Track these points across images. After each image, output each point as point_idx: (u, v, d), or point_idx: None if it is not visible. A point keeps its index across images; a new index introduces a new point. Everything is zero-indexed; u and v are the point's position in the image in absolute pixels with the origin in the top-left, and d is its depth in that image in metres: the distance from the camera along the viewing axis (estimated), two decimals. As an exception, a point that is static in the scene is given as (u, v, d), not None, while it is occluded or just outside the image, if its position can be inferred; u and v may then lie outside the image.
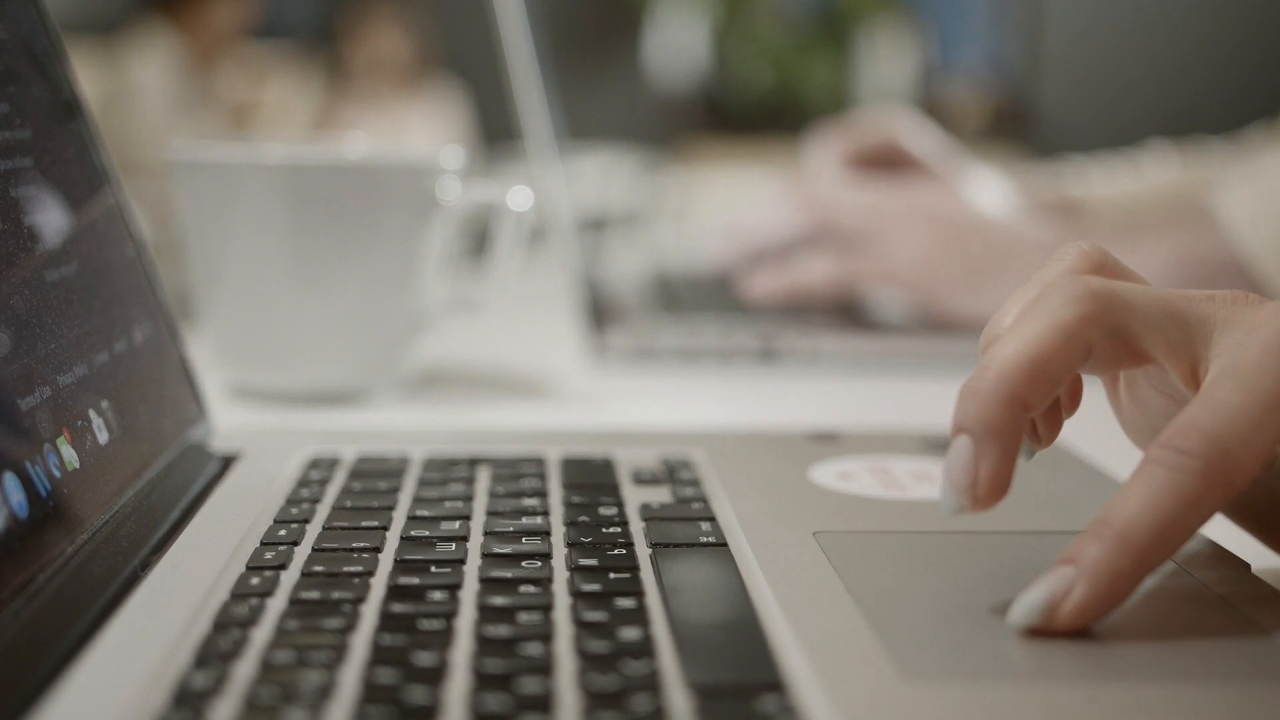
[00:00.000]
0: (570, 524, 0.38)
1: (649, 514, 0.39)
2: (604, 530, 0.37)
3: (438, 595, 0.32)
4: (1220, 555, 0.35)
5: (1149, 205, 0.92)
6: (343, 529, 0.37)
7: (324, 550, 0.36)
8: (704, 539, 0.37)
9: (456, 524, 0.38)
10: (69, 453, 0.35)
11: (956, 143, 0.98)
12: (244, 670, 0.28)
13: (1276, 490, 0.35)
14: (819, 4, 4.67)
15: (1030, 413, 0.31)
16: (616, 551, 0.35)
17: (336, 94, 3.78)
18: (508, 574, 0.33)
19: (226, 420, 0.52)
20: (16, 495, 0.31)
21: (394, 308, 0.62)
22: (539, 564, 0.34)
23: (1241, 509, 0.36)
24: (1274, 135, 0.97)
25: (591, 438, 0.48)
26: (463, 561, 0.35)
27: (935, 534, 0.37)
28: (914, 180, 0.87)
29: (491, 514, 0.39)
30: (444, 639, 0.29)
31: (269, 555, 0.35)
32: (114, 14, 3.38)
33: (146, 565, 0.35)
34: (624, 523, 0.38)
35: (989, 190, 0.88)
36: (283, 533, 0.37)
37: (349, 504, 0.40)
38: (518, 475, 0.43)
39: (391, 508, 0.39)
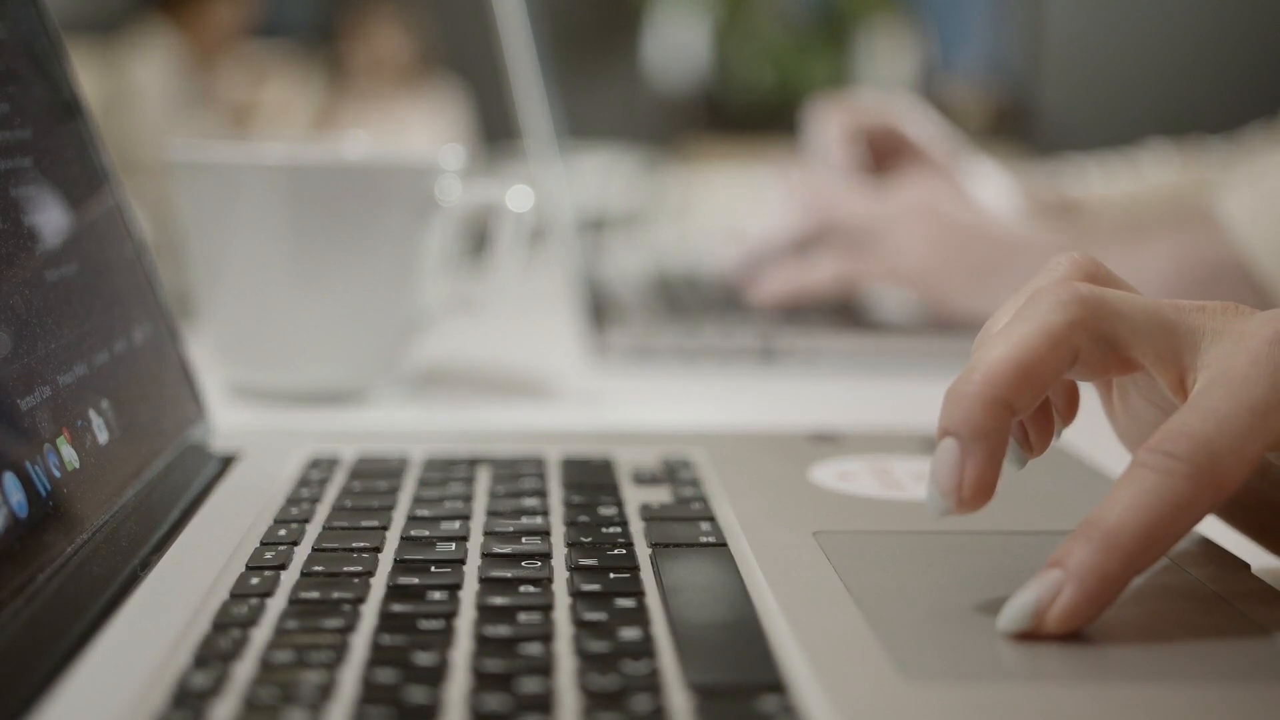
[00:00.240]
0: (570, 524, 0.38)
1: (649, 514, 0.39)
2: (604, 530, 0.37)
3: (437, 595, 0.32)
4: (1219, 555, 0.35)
5: (1148, 205, 0.92)
6: (343, 529, 0.37)
7: (324, 550, 0.36)
8: (704, 539, 0.37)
9: (456, 524, 0.38)
10: (69, 452, 0.35)
11: (958, 138, 0.98)
12: (244, 670, 0.28)
13: (1267, 495, 0.35)
14: (819, 3, 4.67)
15: (1016, 416, 0.31)
16: (616, 551, 0.35)
17: (336, 93, 3.78)
18: (508, 574, 0.33)
19: (226, 420, 0.52)
20: (16, 495, 0.31)
21: (394, 307, 0.62)
22: (539, 564, 0.34)
23: (1234, 512, 0.36)
24: (1273, 135, 0.97)
25: (591, 438, 0.48)
26: (462, 561, 0.35)
27: (935, 534, 0.37)
28: (913, 170, 0.87)
29: (491, 514, 0.39)
30: (444, 639, 0.29)
31: (269, 555, 0.35)
32: (114, 13, 3.39)
33: (146, 565, 0.35)
34: (624, 523, 0.38)
35: (989, 182, 0.88)
36: (283, 532, 0.37)
37: (349, 504, 0.40)
38: (517, 475, 0.43)
39: (391, 508, 0.39)
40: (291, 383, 0.61)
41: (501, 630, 0.30)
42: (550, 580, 0.33)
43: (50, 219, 0.38)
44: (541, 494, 0.41)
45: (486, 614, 0.31)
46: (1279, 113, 1.31)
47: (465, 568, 0.34)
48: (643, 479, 0.43)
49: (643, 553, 0.36)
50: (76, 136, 0.43)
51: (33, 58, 0.41)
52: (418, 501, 0.40)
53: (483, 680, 0.27)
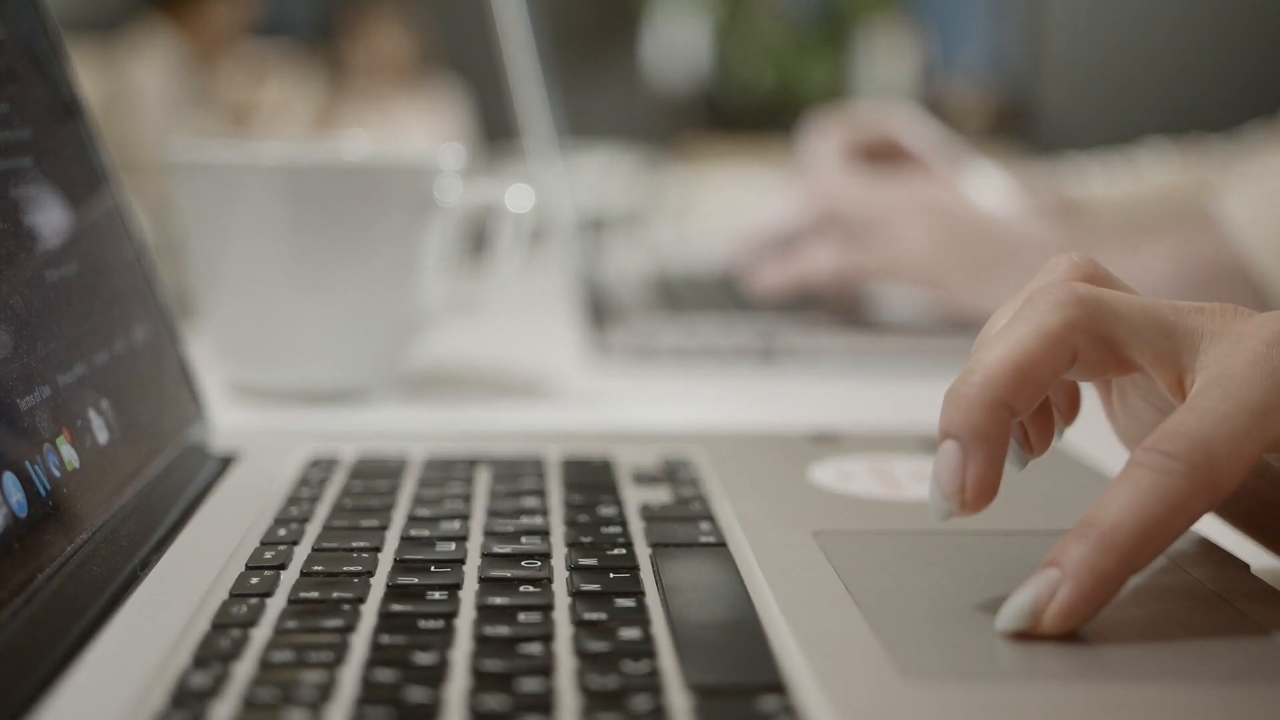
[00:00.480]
0: (570, 524, 0.38)
1: (649, 514, 0.39)
2: (604, 530, 0.37)
3: (437, 595, 0.32)
4: (1219, 555, 0.35)
5: (1148, 206, 0.93)
6: (342, 528, 0.37)
7: (324, 550, 0.36)
8: (704, 539, 0.37)
9: (456, 524, 0.38)
10: (69, 452, 0.35)
11: (958, 141, 0.98)
12: (244, 670, 0.28)
13: (1266, 494, 0.35)
14: (819, 3, 4.67)
15: (1016, 417, 0.31)
16: (616, 551, 0.35)
17: (336, 92, 3.78)
18: (507, 574, 0.33)
19: (226, 419, 0.52)
20: (16, 494, 0.31)
21: (393, 307, 0.62)
22: (539, 564, 0.34)
23: (1233, 512, 0.36)
24: (1273, 134, 0.97)
25: (591, 438, 0.48)
26: (462, 561, 0.35)
27: (935, 534, 0.37)
28: (914, 175, 0.87)
29: (491, 514, 0.39)
30: (444, 639, 0.29)
31: (269, 555, 0.35)
32: (114, 12, 3.39)
33: (146, 565, 0.35)
34: (624, 522, 0.38)
35: (990, 187, 0.88)
36: (282, 532, 0.37)
37: (349, 504, 0.40)
38: (517, 475, 0.43)
39: (391, 507, 0.39)
40: (291, 382, 0.61)
41: (501, 630, 0.30)
42: (550, 580, 0.33)
43: (50, 219, 0.38)
44: (541, 494, 0.41)
45: (486, 614, 0.31)
46: (1279, 112, 1.31)
47: (465, 567, 0.34)
48: (643, 479, 0.43)
49: (642, 553, 0.36)
50: (76, 136, 0.43)
51: (33, 58, 0.40)
52: (417, 501, 0.40)
53: (482, 680, 0.27)
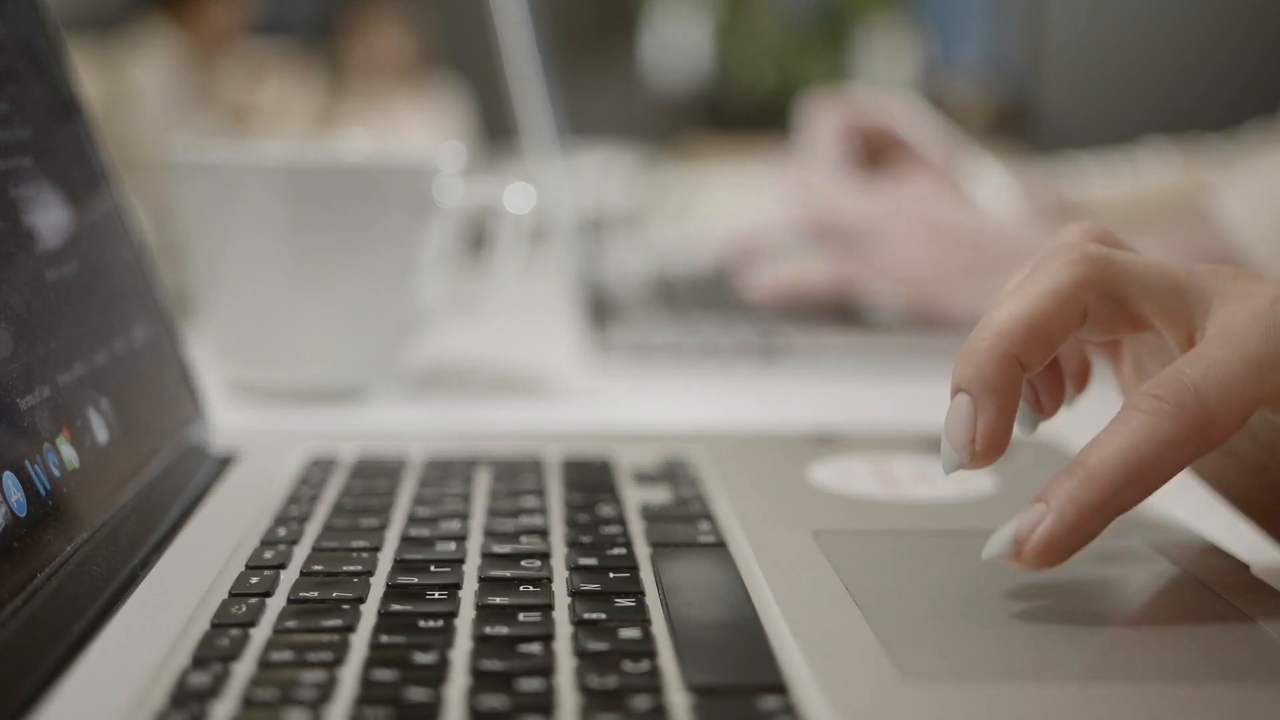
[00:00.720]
0: (570, 524, 0.38)
1: (649, 514, 0.39)
2: (603, 530, 0.37)
3: (437, 594, 0.32)
4: (1219, 555, 0.35)
5: (1147, 207, 0.93)
6: (342, 528, 0.37)
7: (323, 550, 0.36)
8: (703, 539, 0.37)
9: (456, 523, 0.38)
10: (69, 452, 0.35)
11: (958, 135, 0.97)
12: (243, 670, 0.28)
13: (1272, 472, 0.35)
14: (820, 2, 4.67)
15: (1027, 373, 0.32)
16: (616, 551, 0.35)
17: (336, 91, 3.78)
18: (507, 573, 0.33)
19: (227, 418, 0.52)
20: (16, 494, 0.31)
21: (393, 307, 0.62)
22: (538, 563, 0.34)
23: (1247, 501, 0.36)
24: (1272, 132, 0.97)
25: (591, 437, 0.48)
26: (462, 561, 0.35)
27: (935, 534, 0.37)
28: (909, 172, 0.87)
29: (491, 513, 0.39)
30: (443, 638, 0.29)
31: (268, 554, 0.35)
32: (114, 11, 3.38)
33: (146, 564, 0.35)
34: (623, 522, 0.38)
35: (988, 182, 0.88)
36: (282, 532, 0.37)
37: (349, 503, 0.40)
38: (517, 475, 0.43)
39: (391, 507, 0.39)
40: (291, 381, 0.61)
41: (501, 630, 0.30)
42: (550, 580, 0.33)
43: (50, 219, 0.38)
44: (541, 493, 0.41)
45: (486, 613, 0.31)
46: (1278, 111, 1.31)
47: (465, 567, 0.34)
48: (642, 479, 0.43)
49: (642, 552, 0.36)
50: (76, 136, 0.43)
51: (33, 57, 0.40)
52: (417, 501, 0.40)
53: (482, 680, 0.27)
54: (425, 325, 0.64)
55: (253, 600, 0.32)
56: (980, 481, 0.43)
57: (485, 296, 0.65)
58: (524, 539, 0.36)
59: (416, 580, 0.33)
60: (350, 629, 0.30)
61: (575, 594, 0.32)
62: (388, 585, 0.33)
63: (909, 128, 0.90)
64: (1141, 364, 0.36)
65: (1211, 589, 0.33)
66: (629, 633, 0.30)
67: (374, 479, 0.42)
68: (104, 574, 0.33)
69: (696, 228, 1.31)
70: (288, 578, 0.33)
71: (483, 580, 0.33)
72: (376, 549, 0.36)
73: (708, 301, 0.85)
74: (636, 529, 0.38)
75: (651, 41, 4.61)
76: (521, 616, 0.30)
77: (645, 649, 0.29)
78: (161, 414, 0.44)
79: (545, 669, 0.28)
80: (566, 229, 0.80)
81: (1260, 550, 0.36)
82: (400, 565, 0.34)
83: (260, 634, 0.30)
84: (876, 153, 0.90)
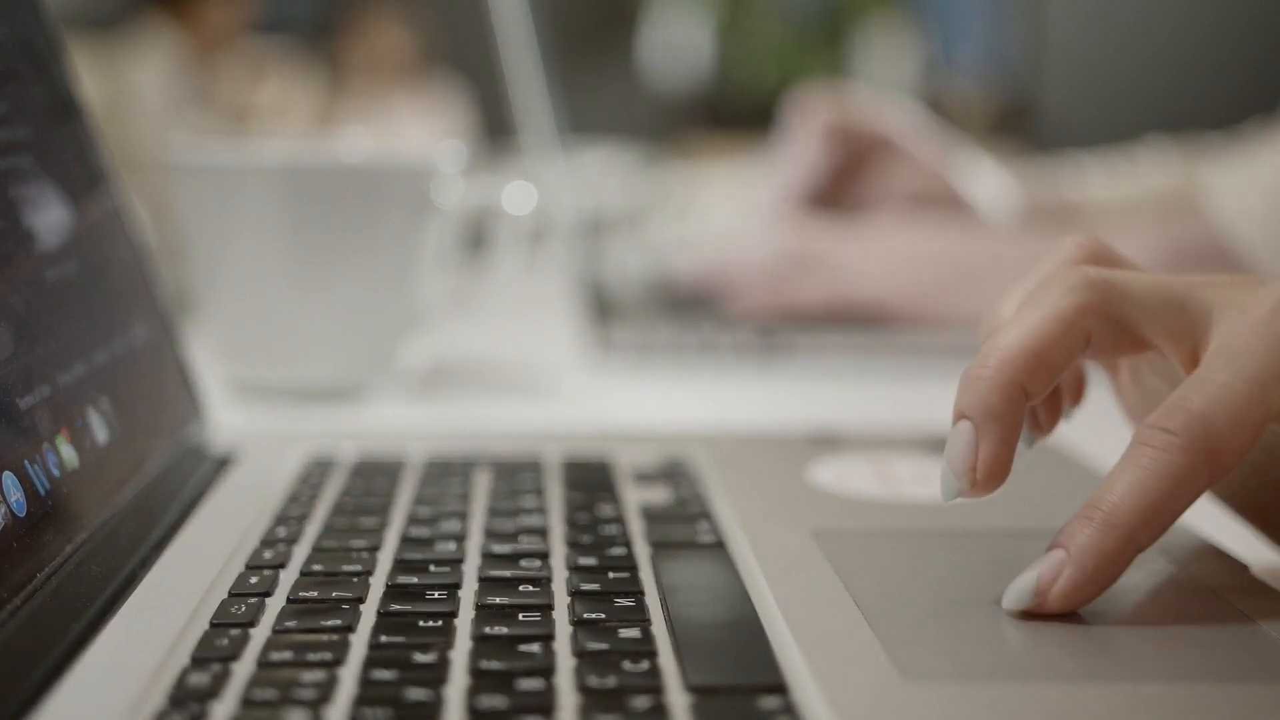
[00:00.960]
0: (569, 523, 0.38)
1: (648, 514, 0.39)
2: (603, 530, 0.37)
3: (437, 594, 0.32)
4: (1218, 555, 0.35)
5: (1147, 208, 0.93)
6: (342, 528, 0.37)
7: (323, 549, 0.36)
8: (703, 539, 0.37)
9: (456, 523, 0.38)
10: (68, 452, 0.35)
11: (959, 139, 0.97)
12: (243, 670, 0.28)
13: (1278, 479, 0.35)
14: (820, 1, 4.67)
15: (1030, 400, 0.31)
16: (616, 551, 0.35)
17: (337, 90, 3.78)
18: (507, 573, 0.33)
19: (226, 417, 0.52)
20: (15, 494, 0.31)
21: (392, 306, 0.62)
22: (538, 563, 0.34)
23: (1245, 502, 0.36)
24: (1272, 130, 0.96)
25: (591, 437, 0.48)
26: (462, 561, 0.35)
27: (935, 534, 0.37)
28: (900, 174, 0.87)
29: (491, 513, 0.39)
30: (443, 638, 0.29)
31: (268, 554, 0.35)
32: (113, 10, 3.38)
33: (145, 564, 0.35)
34: (623, 522, 0.38)
35: (985, 181, 0.88)
36: (282, 532, 0.37)
37: (348, 503, 0.40)
38: (517, 474, 0.43)
39: (391, 507, 0.39)
40: (291, 380, 0.61)
41: (500, 629, 0.30)
42: (549, 580, 0.33)
43: (50, 218, 0.38)
44: (541, 493, 0.41)
45: (485, 613, 0.31)
46: (1277, 109, 1.31)
47: (464, 567, 0.34)
48: (642, 479, 0.43)
49: (642, 552, 0.36)
50: (76, 135, 0.43)
51: (32, 57, 0.40)
52: (417, 501, 0.40)
53: (482, 679, 0.27)
54: (425, 324, 0.64)
55: (252, 600, 0.32)
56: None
57: (485, 296, 0.65)
58: (524, 539, 0.36)
59: (416, 580, 0.33)
60: (350, 629, 0.30)
61: (575, 594, 0.32)
62: (387, 585, 0.33)
63: (899, 130, 0.90)
64: (1140, 377, 0.36)
65: (1211, 589, 0.33)
66: (628, 633, 0.30)
67: (374, 479, 0.42)
68: (103, 574, 0.33)
69: (696, 228, 1.31)
70: (287, 577, 0.33)
71: (482, 580, 0.33)
72: (376, 549, 0.36)
73: (708, 301, 0.85)
74: (636, 529, 0.38)
75: (651, 40, 4.61)
76: (521, 616, 0.30)
77: (645, 649, 0.29)
78: (161, 414, 0.44)
79: (545, 669, 0.28)
80: (566, 228, 0.80)
81: (1260, 550, 0.36)
82: (400, 565, 0.34)
83: (260, 634, 0.30)
84: (863, 154, 0.90)
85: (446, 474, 0.43)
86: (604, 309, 0.75)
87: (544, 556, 0.35)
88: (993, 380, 0.31)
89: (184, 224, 0.61)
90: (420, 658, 0.28)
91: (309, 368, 0.61)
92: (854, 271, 0.78)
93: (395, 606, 0.31)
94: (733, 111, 4.59)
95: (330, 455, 0.45)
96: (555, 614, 0.31)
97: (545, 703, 0.26)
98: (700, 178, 2.09)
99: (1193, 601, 0.32)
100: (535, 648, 0.29)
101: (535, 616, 0.31)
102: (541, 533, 0.37)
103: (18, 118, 0.38)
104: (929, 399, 0.43)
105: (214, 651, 0.28)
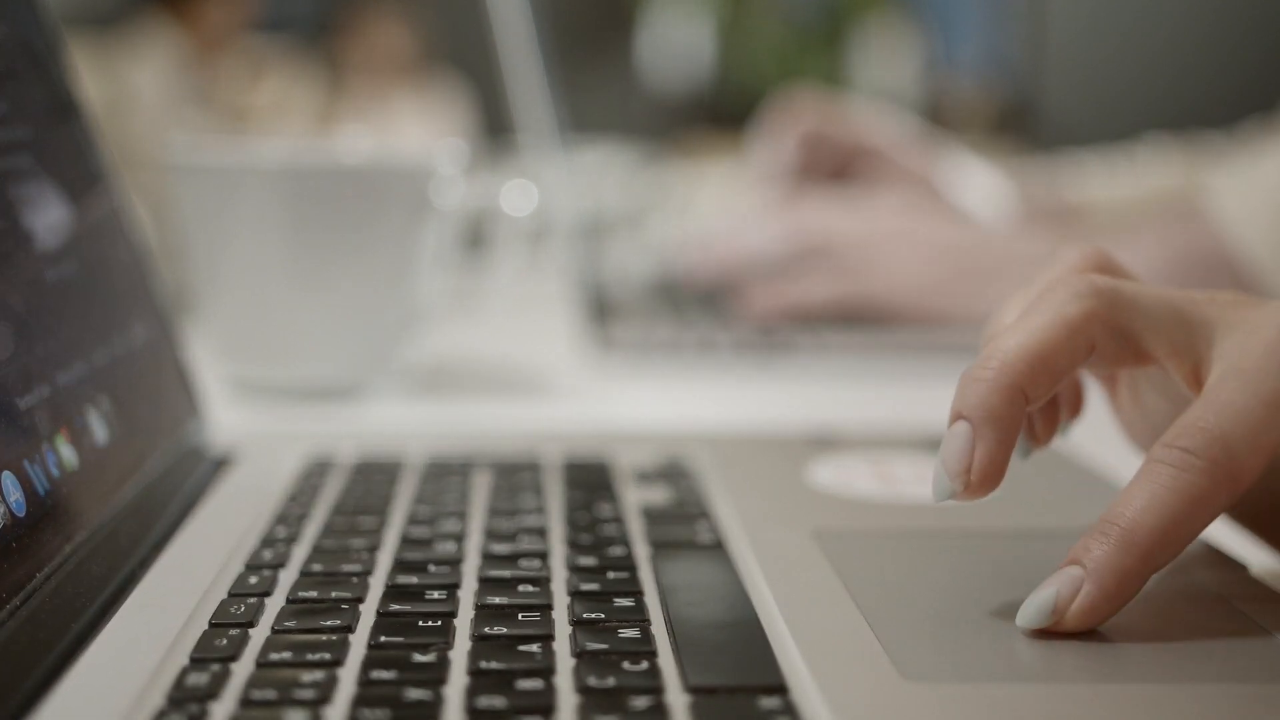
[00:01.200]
0: (569, 523, 0.38)
1: (648, 514, 0.39)
2: (603, 530, 0.37)
3: (436, 594, 0.32)
4: (1217, 556, 0.35)
5: (1146, 209, 0.93)
6: (341, 528, 0.37)
7: (322, 549, 0.35)
8: (703, 539, 0.37)
9: (455, 523, 0.38)
10: (68, 452, 0.35)
11: (958, 139, 0.98)
12: (242, 670, 0.28)
13: (1277, 490, 0.35)
14: (820, 1, 4.67)
15: (1030, 405, 0.31)
16: (615, 551, 0.35)
17: (337, 89, 3.78)
18: (506, 574, 0.33)
19: (226, 416, 0.52)
20: (15, 494, 0.31)
21: (391, 306, 0.62)
22: (538, 563, 0.34)
23: (1245, 513, 0.36)
24: (1271, 129, 0.97)
25: (591, 438, 0.48)
26: (461, 561, 0.35)
27: (935, 534, 0.37)
28: (886, 182, 0.87)
29: (491, 513, 0.39)
30: (442, 638, 0.29)
31: (267, 554, 0.35)
32: (113, 9, 3.38)
33: (145, 564, 0.35)
34: (623, 522, 0.38)
35: (976, 183, 0.88)
36: (281, 532, 0.37)
37: (348, 503, 0.40)
38: (517, 474, 0.43)
39: (390, 507, 0.39)
40: (290, 378, 0.61)
41: (500, 630, 0.30)
42: (549, 580, 0.33)
43: (50, 218, 0.38)
44: (541, 493, 0.41)
45: (485, 613, 0.31)
46: (1276, 108, 1.31)
47: (464, 567, 0.34)
48: (642, 479, 0.43)
49: (642, 552, 0.36)
50: (76, 135, 0.43)
51: (32, 56, 0.40)
52: (417, 501, 0.40)
53: (481, 679, 0.27)
54: (425, 324, 0.64)
55: (251, 600, 0.32)
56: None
57: (485, 296, 0.65)
58: (523, 539, 0.36)
59: (415, 580, 0.33)
60: (349, 629, 0.30)
61: (574, 594, 0.32)
62: (387, 585, 0.33)
63: (885, 139, 0.90)
64: (1139, 393, 0.36)
65: (1210, 589, 0.33)
66: (628, 633, 0.30)
67: (373, 478, 0.42)
68: (103, 574, 0.33)
69: (695, 228, 1.31)
70: (287, 577, 0.33)
71: (482, 580, 0.33)
72: (375, 549, 0.36)
73: (708, 300, 0.85)
74: (636, 529, 0.38)
75: (651, 40, 4.61)
76: (521, 616, 0.30)
77: (644, 649, 0.29)
78: (161, 413, 0.44)
79: (544, 669, 0.28)
80: (566, 228, 0.80)
81: (1258, 550, 0.36)
82: (399, 565, 0.34)
83: (259, 634, 0.30)
84: (846, 162, 0.90)
85: (446, 474, 0.43)
86: (604, 309, 0.75)
87: (543, 556, 0.35)
88: (994, 382, 0.31)
89: (184, 224, 0.61)
90: (419, 658, 0.28)
91: (309, 367, 0.61)
92: (864, 261, 0.78)
93: (395, 606, 0.31)
94: (733, 111, 4.58)
95: (330, 455, 0.45)
96: (555, 614, 0.31)
97: (544, 703, 0.26)
98: (700, 177, 2.09)
99: (1192, 602, 0.32)
100: (535, 648, 0.29)
101: (535, 616, 0.30)
102: (541, 533, 0.37)
103: (18, 118, 0.38)
104: (929, 399, 0.43)
105: (213, 651, 0.28)
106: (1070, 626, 0.29)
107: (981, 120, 4.38)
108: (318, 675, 0.27)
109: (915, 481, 0.43)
